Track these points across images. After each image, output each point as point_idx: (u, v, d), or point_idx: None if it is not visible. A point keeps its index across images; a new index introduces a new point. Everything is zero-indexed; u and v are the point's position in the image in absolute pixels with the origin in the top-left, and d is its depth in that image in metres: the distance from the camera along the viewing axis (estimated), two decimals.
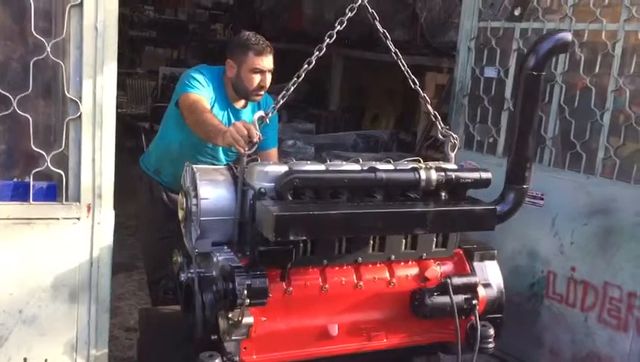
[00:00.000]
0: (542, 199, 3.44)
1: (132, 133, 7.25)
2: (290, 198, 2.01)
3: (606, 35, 3.23)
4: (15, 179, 2.14)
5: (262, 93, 2.84)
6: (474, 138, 3.88)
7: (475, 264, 2.32)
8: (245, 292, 1.89)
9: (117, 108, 2.18)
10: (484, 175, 2.25)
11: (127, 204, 3.26)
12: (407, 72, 2.38)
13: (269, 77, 2.81)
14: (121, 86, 8.61)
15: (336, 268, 2.13)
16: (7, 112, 2.03)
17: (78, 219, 2.15)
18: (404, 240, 2.20)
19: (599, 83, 3.29)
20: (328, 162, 2.26)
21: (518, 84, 2.25)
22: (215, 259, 2.06)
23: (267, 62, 2.78)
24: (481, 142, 3.85)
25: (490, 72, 3.77)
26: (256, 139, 2.10)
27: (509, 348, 3.49)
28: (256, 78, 2.77)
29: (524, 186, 2.28)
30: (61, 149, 2.11)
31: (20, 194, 2.10)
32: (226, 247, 2.11)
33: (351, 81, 7.86)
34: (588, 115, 3.31)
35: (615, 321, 3.18)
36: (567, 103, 3.43)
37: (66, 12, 2.04)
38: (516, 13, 3.53)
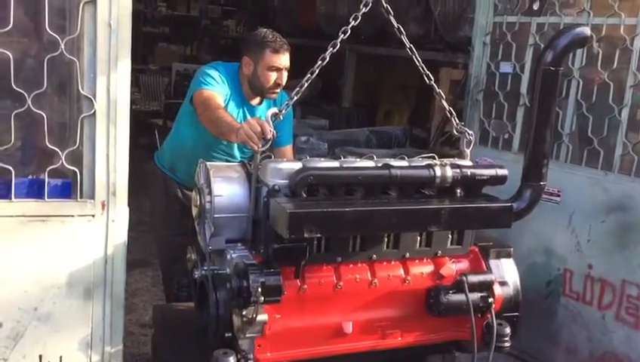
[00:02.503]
0: (558, 196, 3.40)
1: (146, 130, 7.27)
2: (304, 195, 2.00)
3: (624, 30, 3.19)
4: (30, 177, 2.15)
5: (278, 90, 2.83)
6: (489, 134, 3.84)
7: (491, 261, 2.29)
8: (259, 289, 1.88)
9: (130, 104, 2.18)
10: (500, 172, 2.22)
11: (142, 200, 3.28)
12: (422, 67, 2.36)
13: (285, 74, 2.80)
14: (134, 82, 8.69)
15: (351, 266, 2.12)
16: (22, 109, 2.03)
17: (93, 216, 2.15)
18: (418, 238, 2.18)
19: (617, 78, 3.25)
20: (342, 159, 2.25)
21: (534, 79, 2.22)
22: (229, 257, 2.06)
23: (284, 59, 2.77)
24: (496, 138, 3.82)
25: (506, 68, 3.73)
26: (269, 136, 2.09)
27: (525, 347, 3.46)
28: (273, 76, 2.77)
29: (541, 183, 2.25)
30: (75, 146, 2.11)
31: (35, 191, 2.10)
32: (239, 245, 2.11)
33: (364, 76, 7.83)
34: (606, 111, 3.26)
35: (633, 319, 3.14)
36: (585, 99, 3.38)
37: (80, 9, 2.04)
38: (535, 7, 3.49)
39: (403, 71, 6.22)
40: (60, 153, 2.10)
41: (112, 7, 2.05)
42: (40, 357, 2.16)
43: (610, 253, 3.23)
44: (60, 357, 2.19)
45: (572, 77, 3.41)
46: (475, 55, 3.88)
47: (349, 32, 2.16)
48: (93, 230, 2.16)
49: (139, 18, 10.40)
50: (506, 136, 3.75)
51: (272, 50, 2.75)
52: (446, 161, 2.25)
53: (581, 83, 3.40)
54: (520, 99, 3.65)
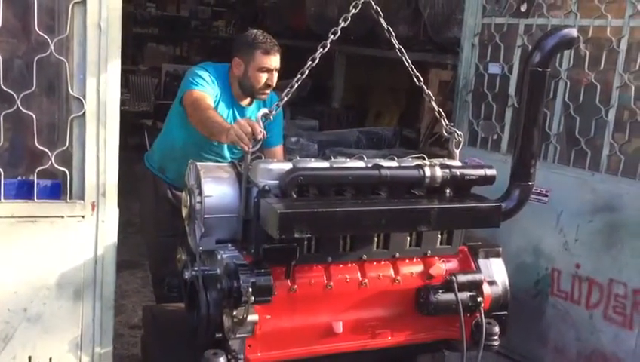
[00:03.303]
0: (546, 196, 3.43)
1: (135, 131, 7.25)
2: (294, 196, 2.01)
3: (611, 31, 3.22)
4: (19, 178, 2.14)
5: (268, 91, 2.84)
6: (478, 135, 3.87)
7: (480, 261, 2.31)
8: (250, 290, 1.89)
9: (120, 105, 2.18)
10: (489, 172, 2.24)
11: (132, 201, 3.27)
12: (411, 68, 2.37)
13: (275, 75, 2.81)
14: (123, 83, 8.62)
15: (341, 266, 2.12)
16: (11, 110, 2.02)
17: (83, 217, 2.15)
18: (408, 238, 2.19)
19: (604, 79, 3.28)
20: (332, 159, 2.26)
21: (522, 80, 2.24)
22: (219, 257, 2.06)
23: (274, 61, 2.79)
24: (485, 138, 3.85)
25: (494, 69, 3.76)
26: (260, 137, 2.10)
27: (514, 346, 3.49)
28: (264, 77, 2.78)
29: (530, 183, 2.27)
30: (65, 147, 2.11)
31: (24, 192, 2.10)
32: (230, 245, 2.11)
33: (354, 77, 7.85)
34: (593, 112, 3.30)
35: (620, 318, 3.17)
36: (572, 100, 3.42)
37: (70, 9, 2.03)
38: (522, 9, 3.52)
39: (393, 72, 6.24)
40: (50, 154, 2.09)
41: (101, 8, 2.05)
42: (30, 358, 2.16)
43: (597, 253, 3.26)
44: (50, 359, 2.18)
45: (560, 78, 3.45)
46: (464, 56, 3.91)
47: (339, 33, 2.18)
48: (83, 231, 2.16)
49: (128, 19, 10.36)
50: (495, 136, 3.78)
51: (262, 51, 2.76)
52: (435, 161, 2.26)
53: (569, 84, 3.43)
54: (508, 100, 3.68)
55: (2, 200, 2.06)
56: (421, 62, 5.20)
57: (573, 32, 2.21)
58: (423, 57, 5.51)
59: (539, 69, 2.16)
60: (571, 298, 3.37)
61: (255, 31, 2.84)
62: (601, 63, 3.27)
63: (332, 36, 2.17)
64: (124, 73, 8.70)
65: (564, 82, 3.44)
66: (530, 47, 3.29)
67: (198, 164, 2.16)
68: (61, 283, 2.16)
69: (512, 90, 3.67)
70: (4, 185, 2.06)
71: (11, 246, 2.08)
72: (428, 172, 2.14)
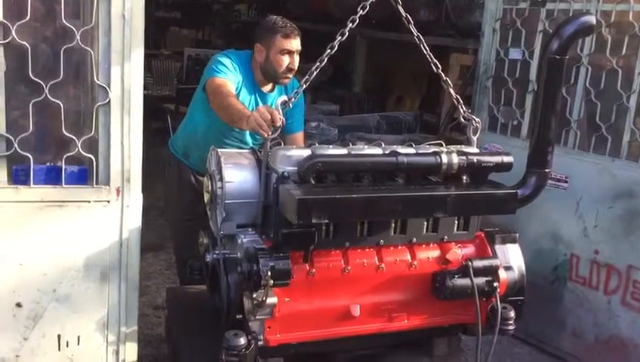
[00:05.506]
0: (566, 182, 3.43)
1: (158, 115, 7.32)
2: (312, 182, 2.05)
3: (634, 16, 3.19)
4: (48, 164, 2.21)
5: (290, 75, 2.87)
6: (498, 120, 3.86)
7: (497, 247, 2.33)
8: (269, 273, 1.94)
9: (143, 90, 2.23)
10: (506, 159, 2.25)
11: (155, 184, 3.34)
12: (429, 55, 2.39)
13: (297, 58, 2.84)
14: (146, 67, 8.57)
15: (358, 251, 2.16)
16: (39, 98, 2.09)
17: (108, 201, 2.22)
18: (425, 223, 2.21)
19: (626, 64, 3.25)
20: (350, 146, 2.29)
21: (541, 67, 2.24)
22: (240, 241, 2.11)
23: (295, 43, 2.82)
24: (505, 124, 3.84)
25: (515, 54, 3.74)
26: (279, 124, 2.14)
27: (532, 331, 3.51)
28: (285, 60, 2.81)
29: (546, 170, 2.28)
30: (91, 134, 2.17)
31: (52, 177, 2.17)
32: (250, 229, 2.16)
33: (375, 62, 7.82)
34: (614, 97, 3.28)
35: (638, 304, 3.18)
36: (593, 85, 3.39)
37: (95, 0, 2.08)
38: None
39: (414, 56, 6.19)
40: (77, 141, 2.16)
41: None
42: (59, 336, 2.24)
43: (616, 239, 3.26)
44: (78, 337, 2.26)
45: (581, 63, 3.42)
46: (485, 41, 3.89)
47: (357, 21, 2.19)
48: (109, 215, 2.23)
49: (150, 3, 10.40)
50: (515, 122, 3.77)
51: (283, 35, 2.79)
52: (453, 148, 2.28)
53: (590, 69, 3.40)
54: (529, 86, 3.67)
55: (32, 185, 2.13)
56: (442, 47, 5.18)
57: (592, 19, 2.20)
58: (444, 42, 5.48)
59: (557, 57, 2.16)
60: (589, 283, 3.38)
61: (274, 17, 2.87)
62: (624, 48, 3.24)
63: (350, 24, 2.19)
64: (147, 57, 8.64)
65: (586, 67, 3.41)
66: (551, 32, 3.26)
67: (219, 150, 2.21)
68: (88, 265, 2.23)
69: (532, 75, 3.65)
70: (34, 171, 2.13)
71: (41, 230, 2.16)
72: (445, 159, 2.16)
